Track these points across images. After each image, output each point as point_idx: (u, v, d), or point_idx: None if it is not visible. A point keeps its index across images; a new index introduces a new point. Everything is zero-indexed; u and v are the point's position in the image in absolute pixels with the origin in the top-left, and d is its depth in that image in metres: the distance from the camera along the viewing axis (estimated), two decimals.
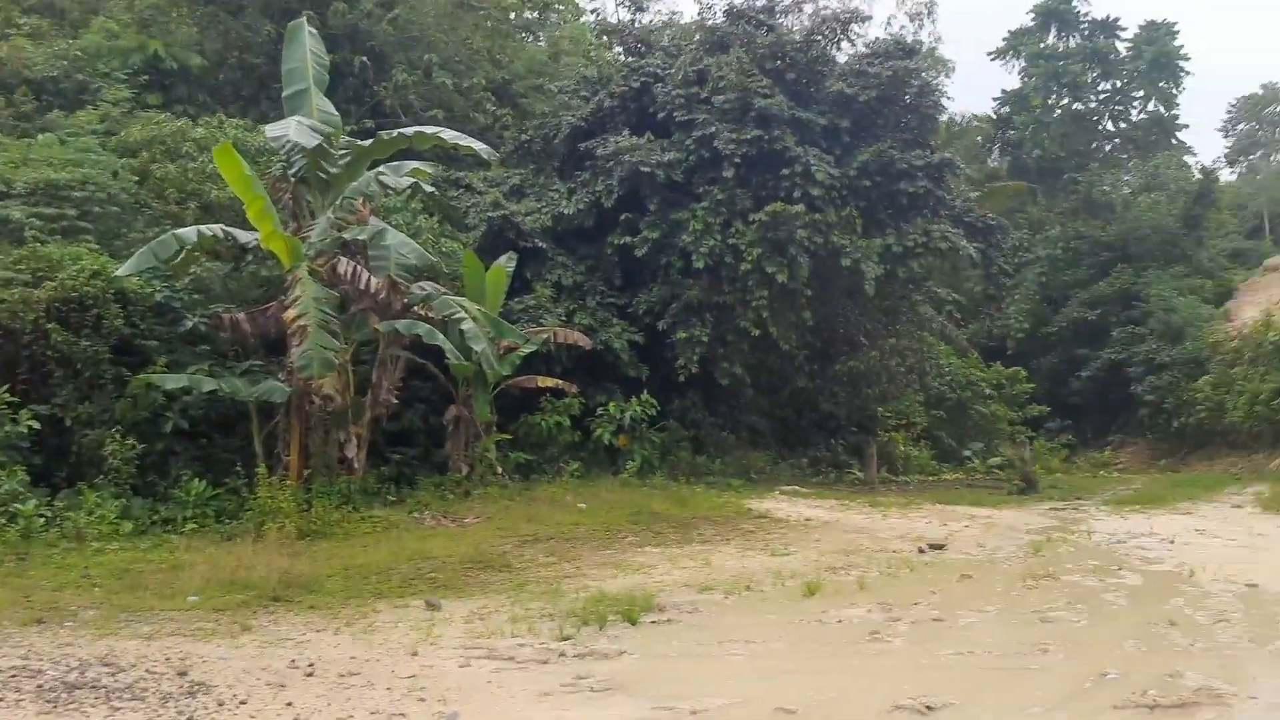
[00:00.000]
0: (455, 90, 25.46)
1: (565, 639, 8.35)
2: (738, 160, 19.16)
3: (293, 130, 14.01)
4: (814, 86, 20.24)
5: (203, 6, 25.29)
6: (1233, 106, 67.12)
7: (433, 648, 8.05)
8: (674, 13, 32.63)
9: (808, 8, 21.07)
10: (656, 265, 20.15)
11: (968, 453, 29.19)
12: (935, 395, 28.39)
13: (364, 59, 24.73)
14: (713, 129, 19.40)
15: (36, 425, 13.24)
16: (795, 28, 21.02)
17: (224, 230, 14.77)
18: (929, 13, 21.92)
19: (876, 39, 20.76)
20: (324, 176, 15.55)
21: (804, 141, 19.39)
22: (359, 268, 14.93)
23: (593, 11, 36.80)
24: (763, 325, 19.14)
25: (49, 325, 13.93)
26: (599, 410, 19.45)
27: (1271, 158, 67.48)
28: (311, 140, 14.16)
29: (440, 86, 25.16)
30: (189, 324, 15.56)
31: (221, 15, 25.30)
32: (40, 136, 19.35)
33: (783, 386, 23.16)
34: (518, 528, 13.66)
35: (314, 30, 17.07)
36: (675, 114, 20.15)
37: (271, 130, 14.23)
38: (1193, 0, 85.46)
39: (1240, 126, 68.59)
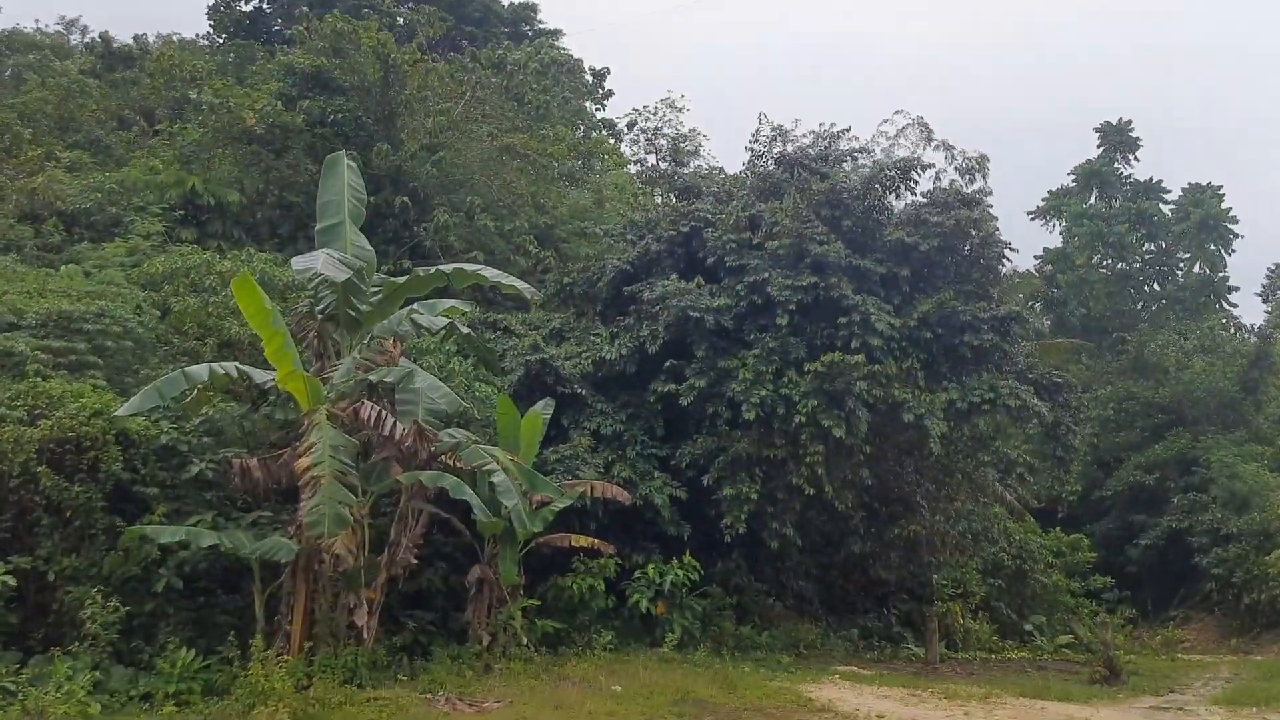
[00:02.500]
0: (497, 232, 24.87)
1: None
2: (792, 307, 18.07)
3: (320, 263, 13.00)
4: (871, 234, 19.32)
5: (245, 145, 25.07)
6: (1272, 271, 66.31)
7: None
8: (714, 167, 32.30)
9: (863, 156, 20.34)
10: (702, 415, 18.83)
11: (1029, 627, 26.94)
12: (993, 563, 26.40)
13: (405, 199, 24.24)
14: (766, 275, 18.39)
15: (12, 582, 11.81)
16: (851, 174, 20.24)
17: (238, 369, 13.67)
18: (980, 168, 20.93)
19: (936, 188, 19.91)
20: (353, 314, 14.50)
21: (861, 290, 18.33)
22: (384, 412, 13.69)
23: (636, 161, 36.99)
24: (817, 483, 17.61)
25: (39, 468, 12.69)
26: (636, 573, 17.82)
27: None
28: (340, 274, 13.14)
29: (482, 229, 24.57)
30: (195, 469, 14.27)
31: (264, 154, 25.05)
32: (63, 268, 18.68)
33: (835, 550, 21.41)
34: (542, 717, 11.88)
35: (353, 164, 16.36)
36: (726, 259, 19.21)
37: (298, 263, 13.25)
38: (1237, 164, 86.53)
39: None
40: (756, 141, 21.63)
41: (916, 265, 19.05)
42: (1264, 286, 65.95)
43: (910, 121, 20.70)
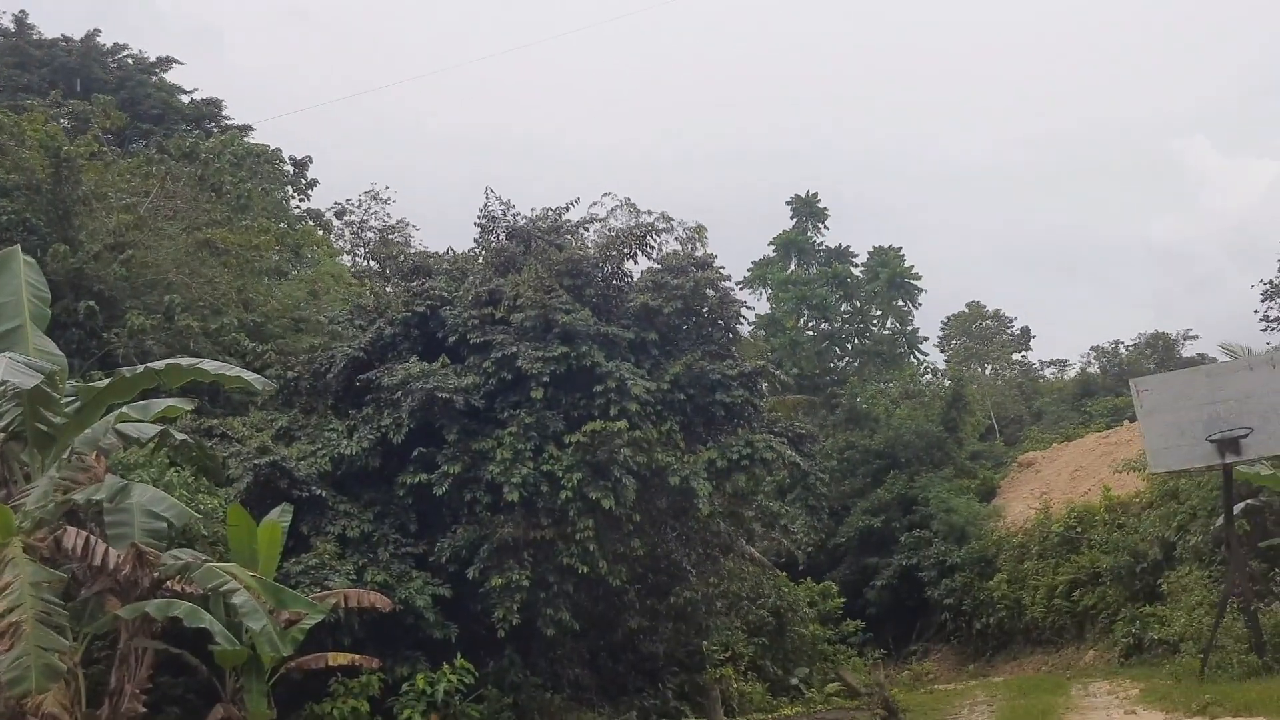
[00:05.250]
0: (202, 333, 22.54)
1: None
2: (545, 379, 17.43)
3: (3, 368, 10.93)
4: (615, 301, 19.16)
5: None
6: (945, 323, 73.75)
7: None
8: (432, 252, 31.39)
9: (595, 226, 20.25)
10: (460, 504, 17.66)
11: (795, 680, 27.26)
12: (755, 621, 26.60)
13: (91, 304, 21.52)
14: (514, 349, 17.68)
15: None
16: (587, 244, 20.06)
17: None
18: (700, 238, 21.46)
19: (670, 253, 20.09)
20: (45, 429, 12.37)
21: (612, 357, 18.02)
22: (92, 538, 11.62)
23: (348, 253, 35.33)
24: (590, 560, 16.86)
25: None
26: (404, 686, 16.23)
27: (986, 368, 73.98)
28: (29, 380, 11.12)
29: (185, 330, 22.14)
30: None
31: None
32: None
33: (610, 630, 20.60)
34: None
35: (30, 260, 14.19)
36: (469, 336, 18.34)
37: None
38: (915, 228, 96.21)
39: (954, 342, 75.27)
40: (485, 217, 21.02)
41: (662, 329, 19.06)
42: (939, 338, 73.39)
43: (619, 202, 20.82)
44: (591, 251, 19.48)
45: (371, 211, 35.50)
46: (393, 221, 34.65)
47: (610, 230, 19.75)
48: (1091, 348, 64.45)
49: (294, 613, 14.00)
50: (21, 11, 38.05)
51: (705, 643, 23.88)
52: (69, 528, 11.69)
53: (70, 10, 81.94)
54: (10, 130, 22.95)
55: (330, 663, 14.95)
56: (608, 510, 16.79)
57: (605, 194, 20.61)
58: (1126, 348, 60.60)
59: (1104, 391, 53.65)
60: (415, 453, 17.79)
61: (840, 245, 51.72)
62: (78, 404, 12.69)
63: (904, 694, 25.14)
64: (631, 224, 20.37)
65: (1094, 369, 61.91)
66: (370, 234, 35.25)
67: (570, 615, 17.64)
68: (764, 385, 19.14)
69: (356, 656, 15.28)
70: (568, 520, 16.99)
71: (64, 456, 12.16)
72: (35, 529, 11.41)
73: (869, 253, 51.25)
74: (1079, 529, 30.68)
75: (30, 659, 9.99)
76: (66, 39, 38.04)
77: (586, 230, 21.04)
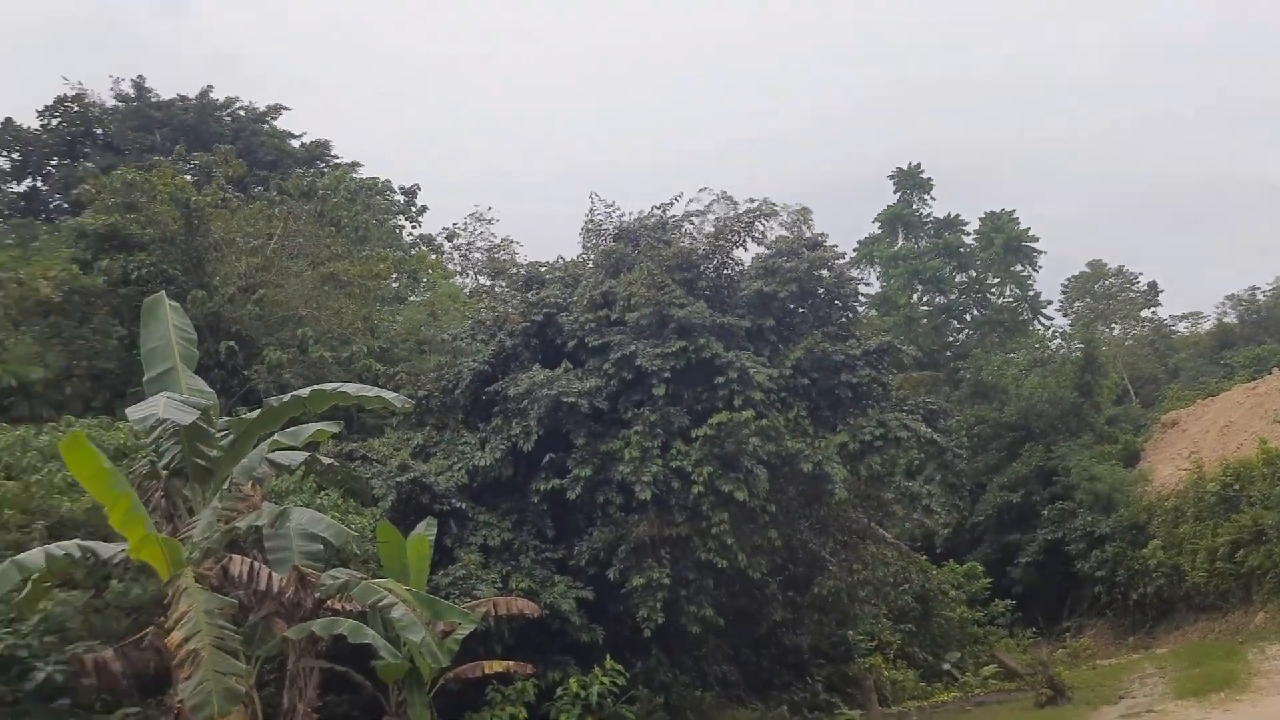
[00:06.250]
0: (334, 362, 23.42)
1: None
2: (666, 375, 17.53)
3: (162, 407, 11.52)
4: (728, 290, 19.15)
5: (43, 318, 22.89)
6: (1065, 286, 70.99)
7: None
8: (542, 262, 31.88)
9: (710, 216, 20.21)
10: (593, 506, 17.91)
11: (947, 665, 26.70)
12: (898, 608, 26.13)
13: (231, 344, 22.58)
14: (632, 348, 17.83)
15: None
16: (695, 236, 20.07)
17: (80, 546, 11.85)
18: (804, 220, 21.19)
19: (779, 238, 19.95)
20: (203, 463, 12.93)
21: (731, 347, 17.98)
22: (256, 564, 12.15)
23: (460, 274, 36.15)
24: (728, 554, 16.85)
25: None
26: (558, 691, 16.50)
27: (1114, 328, 70.97)
28: (186, 416, 11.68)
29: (318, 361, 23.09)
30: (40, 676, 12.25)
31: (65, 324, 22.92)
32: None
33: (754, 624, 20.52)
34: None
35: (176, 305, 14.92)
36: (587, 340, 18.58)
37: (135, 411, 11.71)
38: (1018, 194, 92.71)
39: (1077, 304, 72.38)
40: (590, 221, 21.28)
41: (778, 314, 18.94)
42: (1060, 301, 70.67)
43: (717, 195, 20.75)
44: (700, 243, 19.48)
45: (477, 233, 36.37)
46: (498, 240, 35.45)
47: (718, 219, 19.69)
48: (1226, 297, 60.93)
49: (448, 624, 14.42)
50: (140, 76, 40.14)
51: (850, 632, 23.62)
52: (233, 555, 12.23)
53: (184, 70, 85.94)
54: (143, 187, 24.21)
55: (486, 671, 15.34)
56: (741, 502, 16.76)
57: (702, 189, 20.66)
58: (1264, 294, 57.25)
59: (1244, 342, 50.75)
60: (546, 459, 18.10)
61: (949, 215, 50.39)
62: (231, 437, 13.25)
63: (1066, 671, 24.32)
64: (732, 214, 20.32)
65: (1231, 319, 58.63)
66: (477, 255, 36.11)
67: (713, 611, 17.66)
68: (889, 361, 18.73)
69: (511, 663, 15.64)
70: (701, 515, 17.02)
71: (223, 488, 12.76)
72: (204, 559, 11.98)
73: (980, 219, 49.72)
74: (1237, 486, 29.07)
75: (211, 684, 10.48)
76: (183, 98, 39.91)
77: (691, 224, 21.08)
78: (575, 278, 20.60)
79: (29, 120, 38.55)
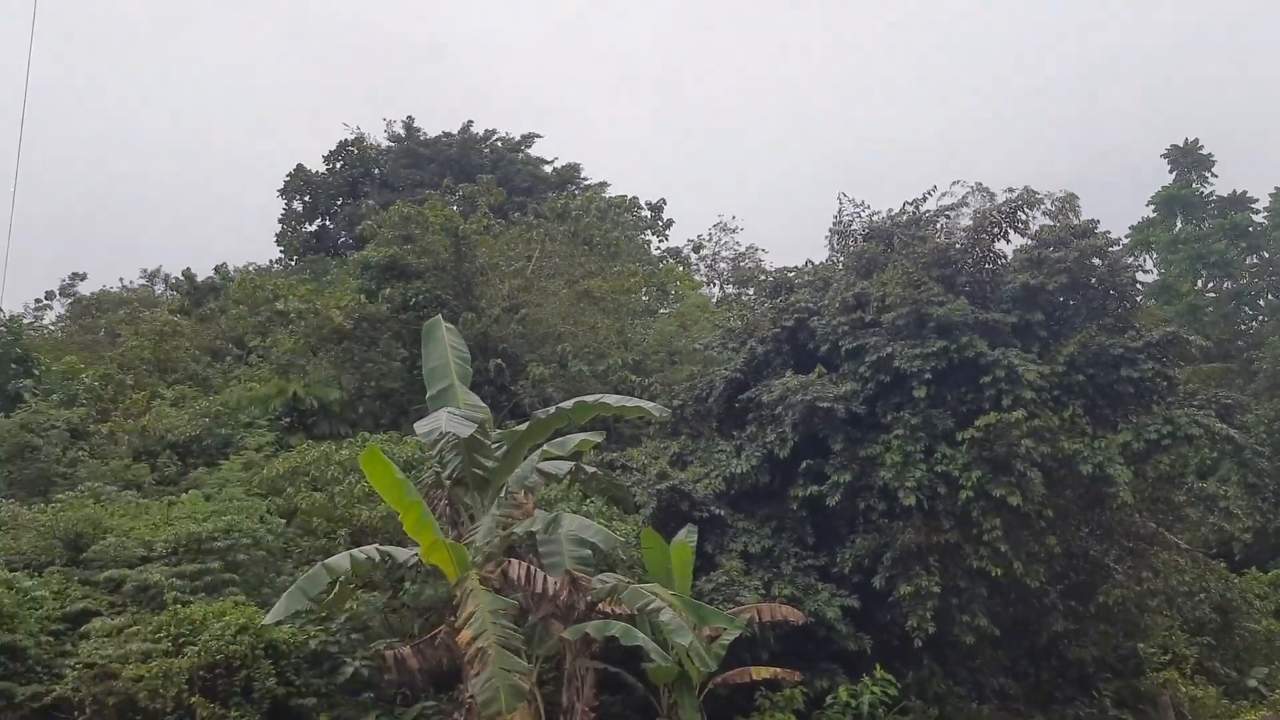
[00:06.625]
0: (592, 375, 24.37)
1: None
2: (927, 376, 16.95)
3: (444, 422, 12.39)
4: (991, 285, 18.26)
5: (337, 344, 25.23)
6: None
7: None
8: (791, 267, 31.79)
9: (965, 209, 19.42)
10: (854, 513, 17.56)
11: (1253, 682, 24.13)
12: (1196, 620, 23.88)
13: (498, 362, 24.02)
14: (889, 349, 17.37)
15: None
16: (953, 231, 19.32)
17: (379, 550, 12.93)
18: (1070, 207, 19.88)
19: (1043, 228, 18.84)
20: (480, 473, 13.79)
21: (996, 345, 17.15)
22: (532, 568, 12.80)
23: (709, 283, 36.66)
24: (1002, 561, 16.03)
25: (193, 699, 11.96)
26: (828, 699, 16.29)
27: None
28: (466, 429, 12.50)
29: (577, 374, 24.12)
30: (350, 670, 13.46)
31: (355, 349, 25.16)
32: (185, 494, 18.49)
33: (1032, 635, 19.41)
34: None
35: (451, 327, 16.02)
36: (840, 343, 18.27)
37: (422, 426, 12.67)
38: None
39: None
40: (839, 222, 20.95)
41: (1046, 308, 17.88)
42: None
43: (971, 188, 19.82)
44: (957, 238, 18.72)
45: (722, 242, 36.78)
46: (742, 249, 35.68)
47: (975, 212, 18.86)
48: None
49: (713, 629, 14.57)
50: (409, 117, 43.52)
51: (1141, 645, 21.86)
52: (511, 560, 12.96)
53: (444, 107, 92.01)
54: (417, 220, 26.17)
55: (754, 677, 15.39)
56: (1014, 507, 15.92)
57: (954, 182, 19.86)
58: None
59: None
60: (803, 465, 17.94)
61: (1235, 192, 45.71)
62: (504, 448, 14.05)
63: None
64: (990, 206, 19.39)
65: None
66: (723, 264, 36.50)
67: (987, 621, 16.86)
68: (1175, 353, 17.23)
69: (779, 670, 15.61)
70: (971, 521, 16.32)
71: (500, 495, 13.54)
72: (485, 562, 12.75)
73: (1270, 195, 44.83)
74: None
75: (498, 681, 11.12)
76: (447, 134, 42.93)
77: (946, 218, 20.31)
78: (825, 281, 20.32)
79: (316, 165, 42.64)
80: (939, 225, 20.20)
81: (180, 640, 12.84)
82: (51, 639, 13.43)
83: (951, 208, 19.60)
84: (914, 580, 16.43)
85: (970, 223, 18.92)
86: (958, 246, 18.48)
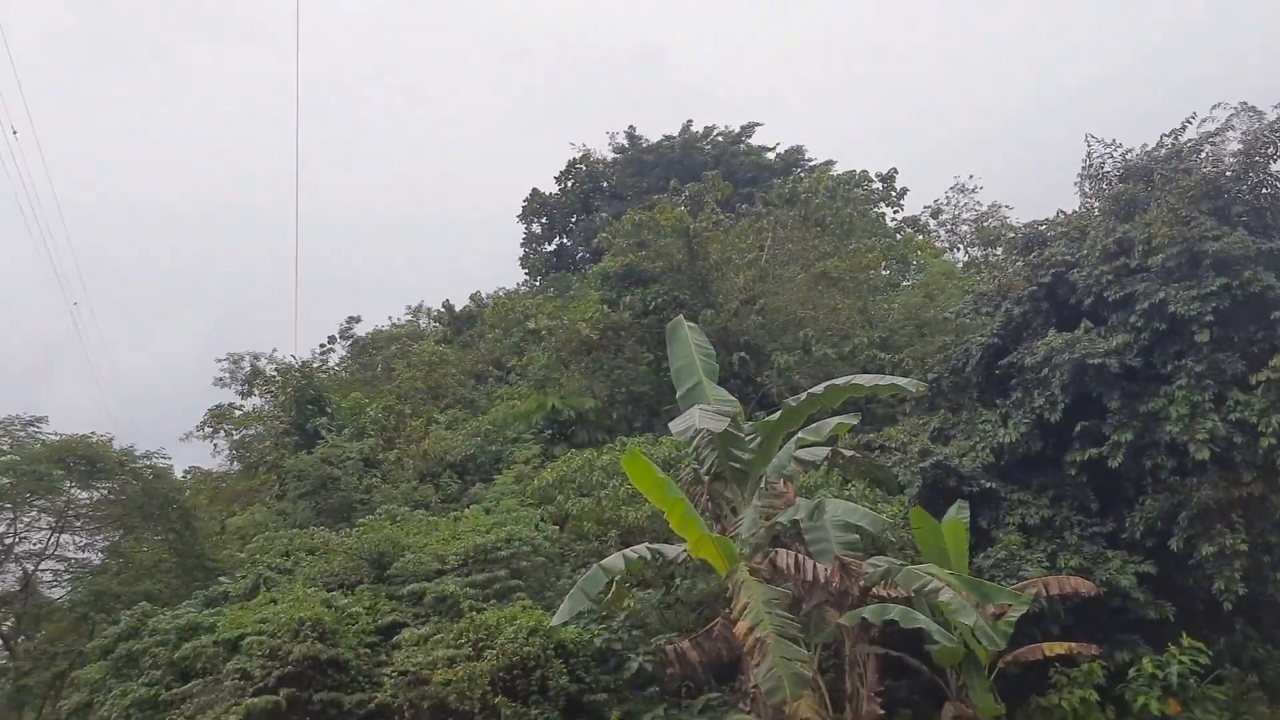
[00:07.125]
0: (838, 358, 23.99)
1: None
2: (1208, 319, 15.54)
3: (697, 418, 12.65)
4: (1271, 212, 16.50)
5: (586, 355, 26.21)
6: None
7: None
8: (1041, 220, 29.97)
9: (1231, 134, 17.55)
10: (1139, 473, 16.37)
11: None
12: None
13: (742, 354, 24.15)
14: (1161, 294, 16.06)
15: None
16: (1219, 157, 17.55)
17: (649, 549, 13.33)
18: None
19: None
20: (737, 466, 13.94)
21: None
22: (801, 556, 12.78)
23: (952, 249, 35.12)
24: None
25: (496, 699, 12.80)
26: (1131, 671, 15.26)
27: None
28: (719, 424, 12.70)
29: (823, 359, 23.85)
30: (634, 665, 13.97)
31: (604, 358, 26.04)
32: (467, 510, 19.82)
33: None
34: None
35: (694, 325, 16.30)
36: (1105, 294, 17.07)
37: (676, 424, 13.00)
38: None
39: None
40: (1088, 165, 19.51)
41: None
42: None
43: (1235, 109, 17.80)
44: (1227, 165, 17.02)
45: (961, 205, 35.07)
46: (984, 208, 33.88)
47: (1244, 135, 17.06)
48: None
49: (998, 606, 14.00)
50: (630, 127, 44.47)
51: None
52: (778, 549, 13.00)
53: (662, 109, 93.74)
54: (648, 225, 26.76)
55: (1046, 653, 14.70)
56: None
57: (1216, 105, 17.98)
58: None
59: None
60: (1077, 428, 16.90)
61: None
62: (758, 439, 14.12)
63: None
64: (1261, 126, 17.45)
65: None
66: (965, 227, 34.79)
67: None
68: None
69: (1073, 645, 14.84)
70: (1276, 470, 14.86)
71: (760, 486, 13.61)
72: (753, 554, 12.87)
73: None
74: None
75: (780, 670, 11.19)
76: (668, 137, 43.54)
77: (1211, 145, 18.46)
78: (1081, 230, 19.02)
79: (549, 186, 44.42)
80: (1203, 154, 18.40)
81: (479, 645, 13.77)
82: (368, 650, 14.80)
83: (1216, 133, 17.80)
84: (1216, 540, 15.13)
85: (1239, 146, 17.12)
86: (1228, 174, 16.80)
